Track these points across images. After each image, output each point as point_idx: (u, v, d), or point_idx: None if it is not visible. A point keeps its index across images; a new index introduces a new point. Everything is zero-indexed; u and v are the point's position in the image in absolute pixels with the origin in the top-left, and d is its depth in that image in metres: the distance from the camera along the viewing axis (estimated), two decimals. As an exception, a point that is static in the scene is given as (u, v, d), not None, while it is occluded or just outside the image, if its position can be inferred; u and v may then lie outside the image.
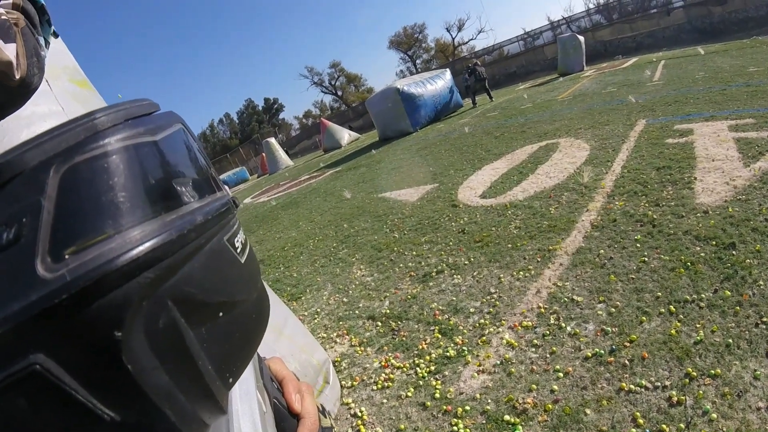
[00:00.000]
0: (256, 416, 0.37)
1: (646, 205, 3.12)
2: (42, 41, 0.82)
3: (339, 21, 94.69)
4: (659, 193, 3.23)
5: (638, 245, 2.63)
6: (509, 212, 3.86)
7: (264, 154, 23.62)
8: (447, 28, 50.86)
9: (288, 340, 2.18)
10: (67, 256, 0.22)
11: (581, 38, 18.08)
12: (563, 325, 2.16)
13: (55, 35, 1.16)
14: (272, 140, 23.31)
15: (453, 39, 45.74)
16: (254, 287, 0.33)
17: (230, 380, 0.30)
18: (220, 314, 0.29)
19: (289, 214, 8.05)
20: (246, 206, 12.92)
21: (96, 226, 0.23)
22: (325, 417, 0.52)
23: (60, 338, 0.21)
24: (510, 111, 10.93)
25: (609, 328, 2.02)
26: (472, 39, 50.71)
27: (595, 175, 4.06)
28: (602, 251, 2.68)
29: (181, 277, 0.25)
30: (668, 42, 20.34)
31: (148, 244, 0.23)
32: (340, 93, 51.62)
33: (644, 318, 2.02)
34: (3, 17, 0.69)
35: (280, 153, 22.83)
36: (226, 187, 0.35)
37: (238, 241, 0.32)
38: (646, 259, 2.46)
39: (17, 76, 0.67)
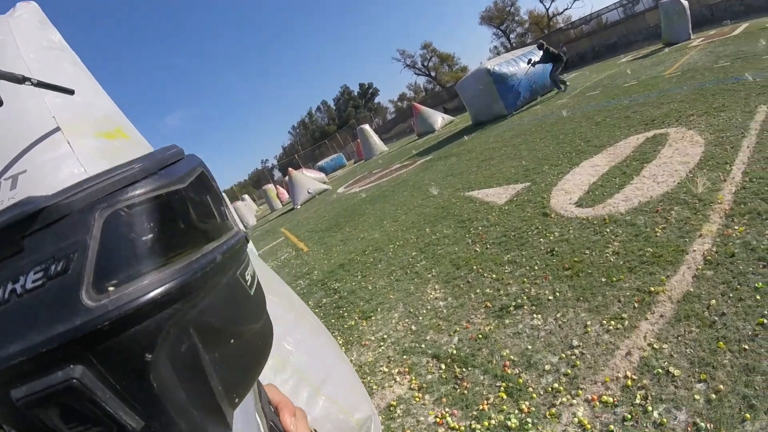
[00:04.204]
0: None
1: (774, 233, 2.50)
2: None
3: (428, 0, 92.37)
4: (790, 217, 2.59)
5: (758, 297, 2.09)
6: (608, 230, 3.37)
7: (359, 141, 24.06)
8: (540, -1, 47.24)
9: (326, 400, 2.05)
10: (110, 288, 0.25)
11: (685, 2, 15.56)
12: (650, 408, 1.77)
13: None
14: (366, 127, 23.70)
15: (547, 10, 42.51)
16: (260, 317, 0.36)
17: (236, 400, 0.33)
18: (232, 341, 0.32)
19: (375, 209, 8.06)
20: (338, 197, 13.24)
21: (134, 264, 0.26)
22: None
23: (97, 358, 0.25)
24: (612, 90, 9.78)
25: (703, 424, 1.61)
26: (567, 8, 46.37)
27: (711, 183, 3.40)
28: (713, 302, 2.19)
29: (203, 308, 0.29)
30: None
31: (176, 281, 0.27)
32: (433, 74, 50.80)
33: (748, 415, 1.58)
34: None
35: (375, 139, 23.18)
36: (240, 224, 0.38)
37: (248, 274, 0.34)
38: (766, 320, 1.95)
39: None
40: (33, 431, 0.26)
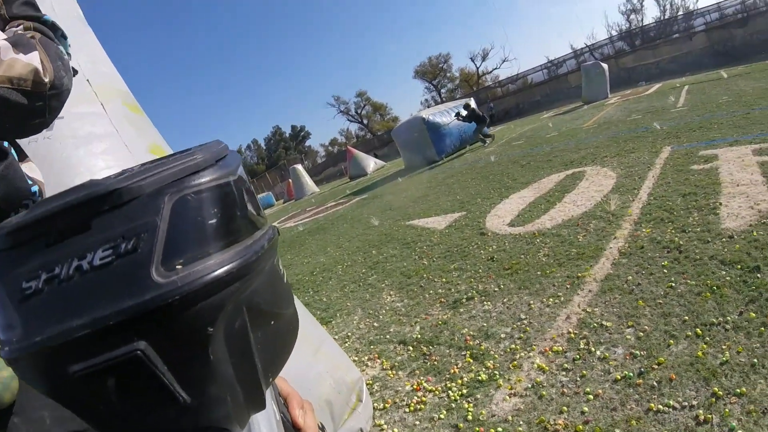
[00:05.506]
0: (273, 420, 0.42)
1: (673, 231, 3.16)
2: (62, 50, 0.87)
3: (366, 51, 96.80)
4: (685, 220, 3.28)
5: (665, 271, 2.68)
6: (538, 240, 3.93)
7: (290, 180, 24.07)
8: (471, 58, 51.37)
9: (325, 358, 2.28)
10: (177, 266, 0.26)
11: (605, 66, 18.17)
12: (593, 349, 2.22)
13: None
14: (299, 166, 23.78)
15: (477, 68, 46.07)
16: (291, 302, 0.40)
17: (270, 379, 0.37)
18: (272, 323, 0.35)
19: (316, 239, 8.20)
20: (274, 232, 13.12)
21: (201, 245, 0.28)
22: None
23: (162, 331, 0.26)
24: (535, 140, 11.05)
25: (638, 352, 2.08)
26: (496, 68, 50.85)
27: (622, 202, 4.12)
28: (630, 277, 2.74)
29: (253, 289, 0.31)
30: (691, 67, 20.07)
31: (237, 263, 0.29)
32: (365, 121, 52.43)
33: (672, 341, 2.07)
34: (20, 32, 0.76)
35: (307, 179, 23.19)
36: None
37: (281, 264, 0.38)
38: (673, 284, 2.51)
39: (46, 79, 0.73)
40: (84, 407, 0.28)
